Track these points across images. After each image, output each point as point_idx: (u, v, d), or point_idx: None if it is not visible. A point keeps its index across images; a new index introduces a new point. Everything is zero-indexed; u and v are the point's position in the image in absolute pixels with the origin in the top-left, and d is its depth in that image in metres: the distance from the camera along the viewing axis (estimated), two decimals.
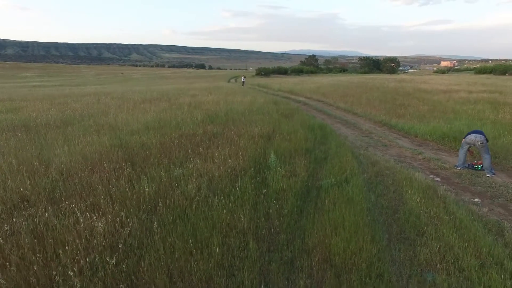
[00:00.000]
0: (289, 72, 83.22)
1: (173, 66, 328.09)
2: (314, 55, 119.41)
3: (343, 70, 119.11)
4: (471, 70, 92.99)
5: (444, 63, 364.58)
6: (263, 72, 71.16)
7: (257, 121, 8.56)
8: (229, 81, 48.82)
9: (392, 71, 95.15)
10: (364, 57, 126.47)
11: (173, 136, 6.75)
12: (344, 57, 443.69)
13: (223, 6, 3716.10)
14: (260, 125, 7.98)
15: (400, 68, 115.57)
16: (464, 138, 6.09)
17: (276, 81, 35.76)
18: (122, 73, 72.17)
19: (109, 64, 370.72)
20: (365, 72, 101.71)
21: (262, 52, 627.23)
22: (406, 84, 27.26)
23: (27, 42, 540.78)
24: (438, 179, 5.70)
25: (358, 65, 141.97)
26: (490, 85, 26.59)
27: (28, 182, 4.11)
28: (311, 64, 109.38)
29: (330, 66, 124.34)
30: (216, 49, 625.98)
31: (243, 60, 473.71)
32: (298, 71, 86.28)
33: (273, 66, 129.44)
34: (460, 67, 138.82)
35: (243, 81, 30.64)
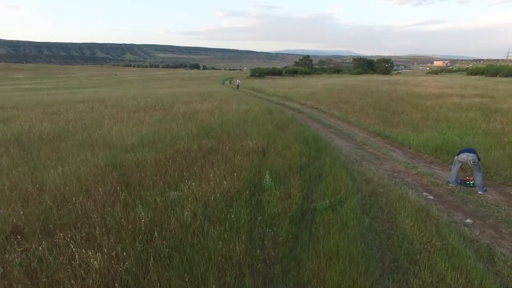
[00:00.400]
0: (283, 73, 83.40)
1: (167, 66, 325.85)
2: (308, 56, 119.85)
3: (337, 70, 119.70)
4: (463, 71, 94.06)
5: (437, 63, 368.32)
6: (258, 73, 71.17)
7: (252, 134, 8.58)
8: (223, 83, 48.82)
9: (386, 71, 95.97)
10: (358, 57, 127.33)
11: (168, 153, 6.74)
12: (338, 57, 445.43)
13: (216, 6, 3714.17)
14: (255, 138, 8.00)
15: (394, 68, 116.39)
16: (457, 156, 6.18)
17: (271, 84, 35.82)
18: (115, 74, 71.64)
19: (102, 64, 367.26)
20: (359, 73, 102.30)
21: (256, 52, 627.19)
22: (400, 88, 27.51)
23: (18, 41, 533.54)
24: (431, 197, 5.79)
25: (352, 65, 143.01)
26: (481, 88, 26.97)
27: (22, 212, 4.08)
28: (305, 65, 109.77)
29: (324, 66, 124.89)
30: (211, 49, 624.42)
31: (237, 60, 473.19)
32: (292, 72, 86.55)
33: (267, 67, 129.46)
34: (452, 67, 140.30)
35: (238, 84, 30.67)
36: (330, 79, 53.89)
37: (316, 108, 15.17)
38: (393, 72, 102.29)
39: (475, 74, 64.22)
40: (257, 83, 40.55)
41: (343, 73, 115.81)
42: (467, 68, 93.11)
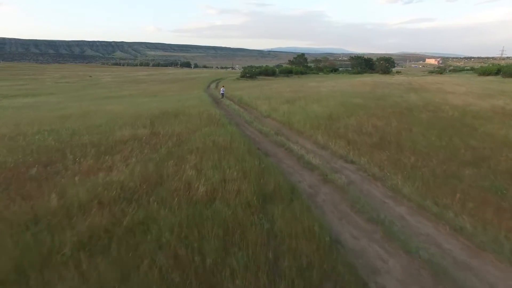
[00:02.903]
0: (277, 73, 76.54)
1: (158, 65, 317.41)
2: (303, 54, 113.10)
3: (333, 69, 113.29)
4: (469, 70, 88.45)
5: (429, 61, 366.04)
6: (249, 74, 64.16)
7: None
8: (209, 86, 41.81)
9: (386, 71, 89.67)
10: (355, 56, 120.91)
11: None
12: (331, 54, 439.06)
13: (207, 3, 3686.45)
14: None
15: (395, 67, 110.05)
16: None
17: (264, 90, 29.06)
18: (90, 76, 63.99)
19: (91, 62, 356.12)
20: (358, 73, 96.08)
21: (249, 50, 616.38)
22: (431, 98, 21.14)
23: (4, 38, 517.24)
24: None
25: (349, 63, 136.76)
26: None
27: None
28: (300, 64, 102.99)
29: (320, 65, 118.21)
30: (202, 47, 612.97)
31: (229, 58, 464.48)
32: (287, 72, 79.69)
33: (260, 65, 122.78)
34: (461, 66, 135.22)
35: (222, 93, 23.78)
36: (331, 81, 47.30)
37: (350, 162, 7.96)
38: (394, 71, 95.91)
39: (488, 75, 58.46)
40: (248, 88, 33.69)
41: (341, 72, 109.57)
42: (473, 68, 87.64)
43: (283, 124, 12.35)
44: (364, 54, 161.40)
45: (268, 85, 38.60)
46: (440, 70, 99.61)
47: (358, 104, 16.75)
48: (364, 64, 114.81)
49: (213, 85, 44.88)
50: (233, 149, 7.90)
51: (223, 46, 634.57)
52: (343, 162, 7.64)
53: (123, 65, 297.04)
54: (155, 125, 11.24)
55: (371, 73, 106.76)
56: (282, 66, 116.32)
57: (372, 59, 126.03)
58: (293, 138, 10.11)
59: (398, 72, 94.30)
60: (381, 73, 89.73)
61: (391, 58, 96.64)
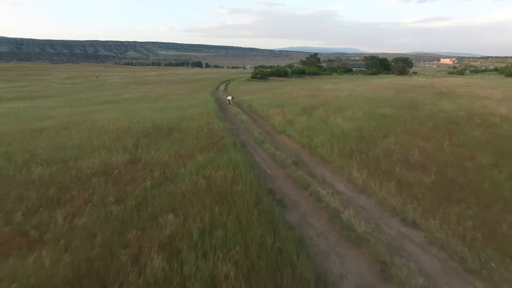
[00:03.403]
0: (289, 74, 73.70)
1: (169, 64, 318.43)
2: (316, 54, 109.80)
3: (347, 70, 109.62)
4: (492, 70, 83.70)
5: (443, 60, 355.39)
6: (260, 75, 61.56)
7: None
8: (217, 89, 39.43)
9: (403, 71, 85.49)
10: (369, 56, 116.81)
11: None
12: (343, 54, 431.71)
13: (219, 3, 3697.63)
14: None
15: (412, 67, 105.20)
16: None
17: (277, 94, 26.46)
18: (97, 76, 62.41)
19: (104, 62, 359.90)
20: (374, 73, 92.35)
21: (260, 50, 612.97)
22: (470, 106, 18.26)
23: (22, 39, 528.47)
24: None
25: (362, 63, 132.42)
26: None
27: None
28: (313, 64, 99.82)
29: (333, 66, 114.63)
30: (214, 46, 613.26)
31: (240, 58, 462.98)
32: (299, 72, 76.78)
33: (271, 65, 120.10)
34: (479, 66, 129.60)
35: (229, 101, 21.32)
36: (348, 83, 44.30)
37: (440, 248, 3.83)
38: (411, 72, 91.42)
39: None
40: (258, 91, 31.12)
41: (355, 73, 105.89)
42: (497, 68, 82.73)
43: (302, 146, 9.70)
44: (376, 53, 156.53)
45: (281, 88, 35.98)
46: (459, 70, 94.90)
47: (389, 115, 13.99)
48: (379, 65, 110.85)
49: (222, 87, 42.49)
50: (234, 198, 5.38)
51: (234, 45, 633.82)
52: (402, 226, 4.96)
53: (135, 65, 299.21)
54: (139, 147, 8.81)
55: (387, 73, 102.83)
56: (294, 66, 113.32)
57: (387, 59, 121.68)
58: (318, 172, 7.45)
59: (414, 73, 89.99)
60: (397, 74, 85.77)
61: (407, 58, 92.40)
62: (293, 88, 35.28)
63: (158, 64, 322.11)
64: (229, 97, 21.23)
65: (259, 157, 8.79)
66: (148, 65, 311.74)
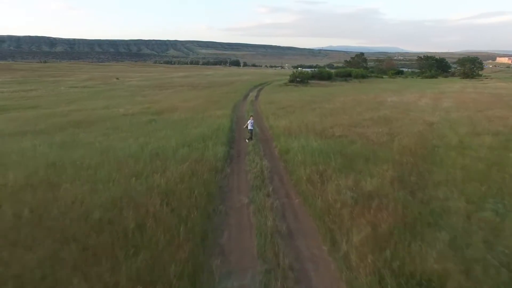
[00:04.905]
0: (333, 76, 63.69)
1: (207, 63, 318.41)
2: (362, 54, 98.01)
3: (398, 72, 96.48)
4: None
5: (500, 59, 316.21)
6: (299, 78, 52.54)
7: None
8: (245, 98, 31.39)
9: (470, 74, 71.30)
10: (425, 56, 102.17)
11: None
12: (384, 53, 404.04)
13: (259, 2, 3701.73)
14: None
15: (483, 69, 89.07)
16: None
17: (327, 115, 17.93)
18: (117, 78, 57.29)
19: (146, 60, 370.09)
20: (432, 76, 79.25)
21: (299, 49, 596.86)
22: None
23: (74, 39, 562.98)
24: None
25: (406, 63, 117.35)
26: None
27: None
28: (359, 65, 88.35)
29: (382, 67, 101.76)
30: (252, 45, 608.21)
31: (279, 56, 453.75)
32: (345, 75, 66.45)
33: (310, 64, 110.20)
34: None
35: (250, 130, 12.89)
36: (413, 91, 34.08)
37: None
38: (481, 76, 76.22)
39: None
40: (298, 106, 22.58)
41: (407, 76, 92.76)
42: None
43: None
44: (421, 53, 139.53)
45: (327, 98, 27.13)
46: None
47: None
48: (435, 66, 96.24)
49: (252, 94, 34.40)
50: None
51: (273, 44, 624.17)
52: None
53: (174, 63, 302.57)
54: None
55: (446, 76, 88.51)
56: (337, 67, 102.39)
57: (444, 59, 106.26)
58: None
59: (484, 76, 75.26)
60: (463, 77, 72.12)
61: (476, 58, 77.71)
62: (345, 99, 26.29)
63: (197, 63, 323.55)
64: (250, 121, 12.90)
65: None
66: (186, 63, 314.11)
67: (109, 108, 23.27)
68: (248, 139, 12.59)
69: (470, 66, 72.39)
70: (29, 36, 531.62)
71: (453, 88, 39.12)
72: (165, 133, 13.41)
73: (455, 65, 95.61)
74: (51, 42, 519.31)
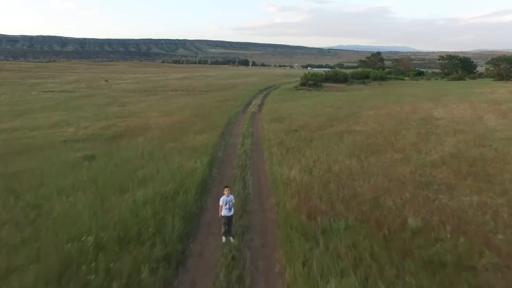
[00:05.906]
0: (349, 78, 56.58)
1: (216, 62, 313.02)
2: (379, 53, 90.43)
3: (419, 73, 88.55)
4: None
5: None
6: (312, 81, 45.77)
7: None
8: (246, 107, 24.96)
9: (506, 76, 63.00)
10: (447, 55, 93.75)
11: None
12: (395, 53, 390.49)
13: (269, 1, 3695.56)
14: None
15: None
16: None
17: (357, 133, 11.50)
18: (106, 80, 51.02)
19: (155, 59, 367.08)
20: (460, 78, 71.28)
21: (308, 48, 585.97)
22: None
23: (85, 39, 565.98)
24: None
25: (419, 62, 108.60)
26: None
27: None
28: (376, 65, 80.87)
29: (400, 67, 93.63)
30: (261, 44, 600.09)
31: (288, 56, 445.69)
32: (362, 77, 59.21)
33: (319, 64, 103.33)
34: None
35: (227, 216, 6.20)
36: (452, 98, 26.96)
37: None
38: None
39: None
40: (317, 124, 16.15)
41: (428, 77, 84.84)
42: None
43: None
44: (432, 52, 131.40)
45: (352, 112, 20.56)
46: None
47: None
48: (460, 66, 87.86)
49: (256, 102, 27.98)
50: None
51: (282, 43, 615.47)
52: None
53: (182, 63, 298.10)
54: None
55: (474, 78, 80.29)
56: (349, 67, 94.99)
57: (469, 58, 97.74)
58: None
59: None
60: (497, 79, 64.09)
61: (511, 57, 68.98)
62: (377, 114, 19.69)
63: (205, 62, 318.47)
64: (224, 199, 6.29)
65: None
66: (194, 63, 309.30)
67: (59, 126, 17.17)
68: (224, 235, 6.17)
69: (507, 66, 63.96)
70: (42, 36, 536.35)
71: (502, 94, 31.72)
72: (69, 206, 7.04)
73: (483, 66, 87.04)
74: (63, 41, 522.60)
